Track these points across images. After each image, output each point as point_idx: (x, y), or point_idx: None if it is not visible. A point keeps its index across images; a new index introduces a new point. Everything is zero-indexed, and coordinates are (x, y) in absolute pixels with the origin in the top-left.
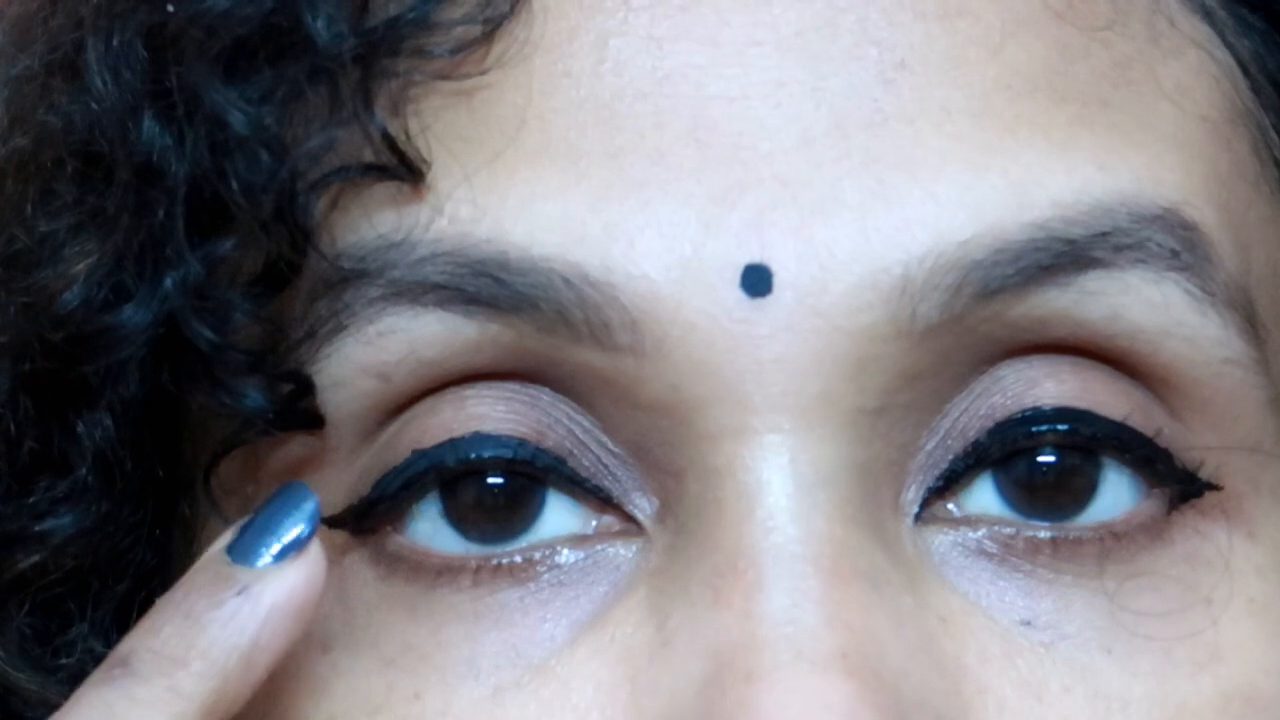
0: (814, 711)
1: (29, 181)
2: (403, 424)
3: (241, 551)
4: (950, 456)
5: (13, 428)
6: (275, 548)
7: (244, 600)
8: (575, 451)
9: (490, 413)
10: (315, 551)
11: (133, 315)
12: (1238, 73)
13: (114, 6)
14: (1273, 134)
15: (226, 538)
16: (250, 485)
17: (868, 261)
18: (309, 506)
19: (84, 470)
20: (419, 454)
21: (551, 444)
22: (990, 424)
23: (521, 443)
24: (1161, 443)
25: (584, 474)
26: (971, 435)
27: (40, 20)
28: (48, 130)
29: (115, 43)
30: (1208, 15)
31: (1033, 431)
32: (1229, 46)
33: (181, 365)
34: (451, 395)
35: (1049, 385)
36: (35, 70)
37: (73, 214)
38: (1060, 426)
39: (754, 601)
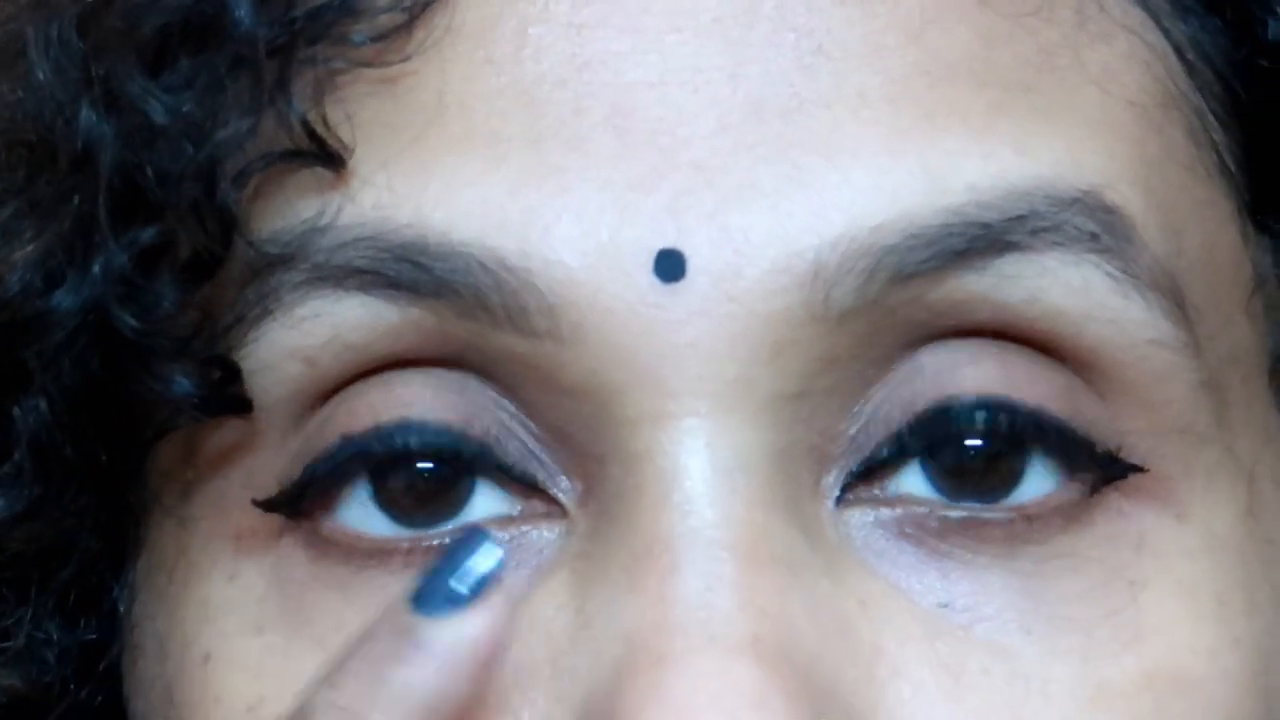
0: (723, 696)
1: None
2: (332, 408)
3: (425, 602)
4: (872, 444)
5: None
6: (456, 590)
7: (424, 654)
8: (501, 438)
9: (417, 398)
10: (499, 598)
11: (62, 300)
12: (1173, 57)
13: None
14: (1211, 118)
15: (412, 584)
16: (189, 471)
17: (781, 246)
18: (492, 549)
19: (18, 455)
20: (347, 440)
21: (478, 431)
22: (911, 414)
23: (448, 429)
24: (1080, 429)
25: (510, 460)
26: (894, 425)
27: None
28: None
29: (54, 33)
30: (1142, 0)
31: (951, 421)
32: (1164, 31)
33: (112, 352)
34: (378, 381)
35: (969, 371)
36: None
37: (15, 202)
38: (980, 414)
39: (668, 585)
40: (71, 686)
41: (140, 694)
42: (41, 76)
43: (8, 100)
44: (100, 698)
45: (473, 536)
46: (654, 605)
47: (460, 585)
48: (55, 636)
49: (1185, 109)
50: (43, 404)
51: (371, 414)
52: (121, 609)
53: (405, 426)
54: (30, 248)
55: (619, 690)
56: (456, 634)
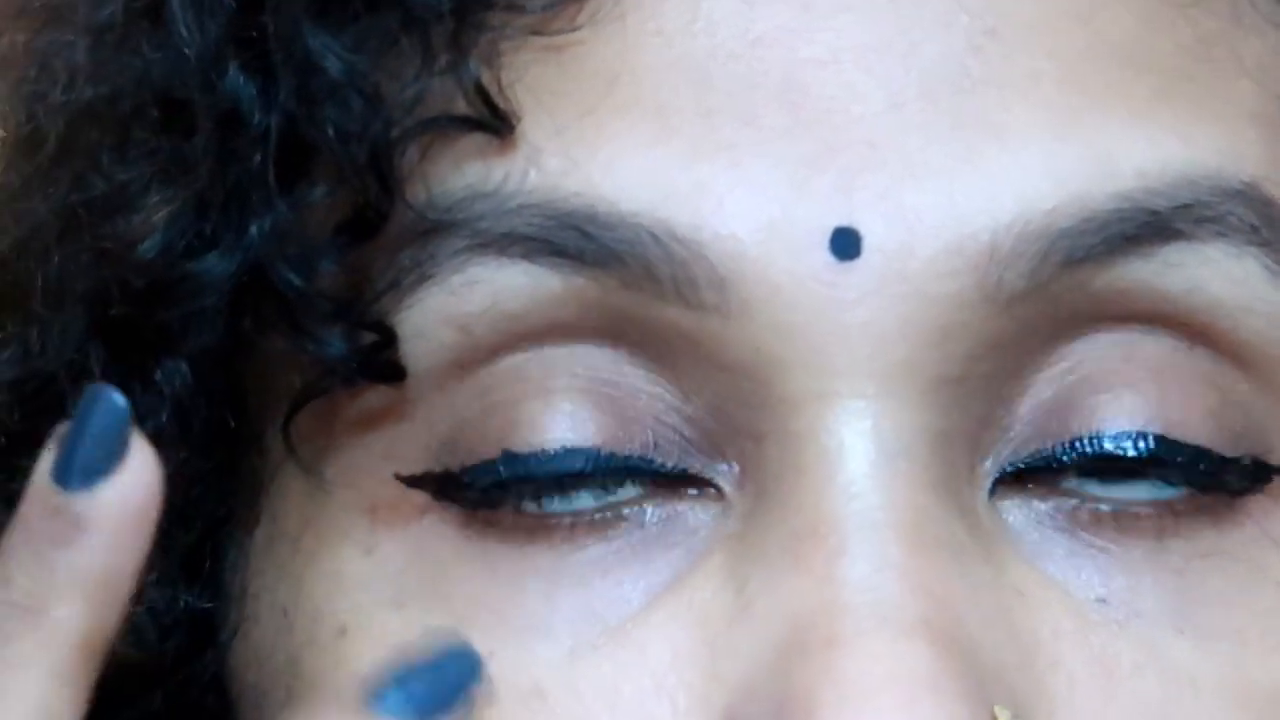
0: (898, 678)
1: (108, 129)
2: (487, 402)
3: (67, 473)
4: (1026, 453)
5: (87, 376)
6: (102, 460)
7: (86, 531)
8: (659, 442)
9: (578, 411)
10: (141, 453)
11: (216, 264)
12: None
13: None
14: None
15: (47, 462)
16: (323, 438)
17: (955, 227)
18: (115, 401)
19: (163, 418)
20: (509, 457)
21: (639, 442)
22: (1067, 434)
23: (610, 454)
24: (1229, 451)
25: (670, 465)
26: (1048, 443)
27: None
28: (129, 78)
29: None
30: None
31: (1105, 450)
32: None
33: (263, 312)
34: (536, 387)
35: (1126, 396)
36: (117, 18)
37: (152, 162)
38: (1134, 454)
39: (835, 567)
40: (182, 656)
41: (256, 665)
42: (185, 33)
43: (143, 59)
44: (209, 670)
45: (95, 398)
46: (821, 586)
47: (96, 451)
48: (170, 605)
49: None
50: (184, 367)
51: (532, 429)
52: (234, 579)
53: (566, 455)
54: (172, 209)
55: (786, 671)
56: (110, 501)
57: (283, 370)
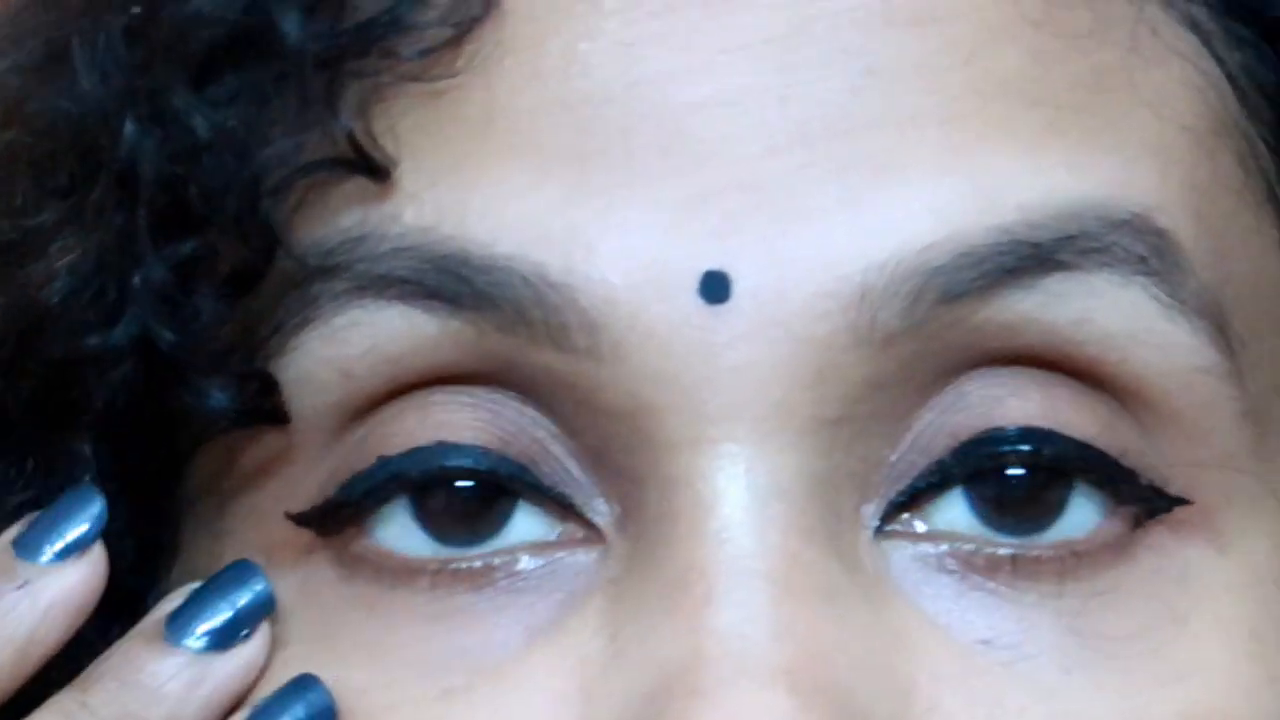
0: None
1: (19, 176)
2: (370, 428)
3: (26, 547)
4: (914, 472)
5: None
6: (59, 545)
7: (24, 595)
8: (538, 459)
9: (454, 419)
10: (97, 554)
11: (122, 335)
12: (1225, 84)
13: (98, 5)
14: (1261, 146)
15: (13, 531)
16: (225, 481)
17: (828, 269)
18: (95, 509)
19: (67, 476)
20: (383, 461)
21: (515, 452)
22: (954, 443)
23: (485, 451)
24: (1127, 463)
25: (547, 482)
26: (936, 453)
27: (31, 15)
28: (38, 126)
29: (101, 42)
30: (1194, 26)
31: (997, 452)
32: (1217, 58)
33: (154, 366)
34: (418, 400)
35: (1013, 403)
36: (26, 66)
37: (58, 211)
38: (1023, 447)
39: (703, 616)
40: None
41: None
42: (87, 86)
43: (52, 106)
44: None
45: (81, 497)
46: (688, 635)
47: (57, 541)
48: (92, 647)
49: (1236, 136)
50: (88, 418)
51: (409, 435)
52: None
53: (442, 449)
54: (73, 256)
55: None
56: (57, 582)
57: (186, 416)
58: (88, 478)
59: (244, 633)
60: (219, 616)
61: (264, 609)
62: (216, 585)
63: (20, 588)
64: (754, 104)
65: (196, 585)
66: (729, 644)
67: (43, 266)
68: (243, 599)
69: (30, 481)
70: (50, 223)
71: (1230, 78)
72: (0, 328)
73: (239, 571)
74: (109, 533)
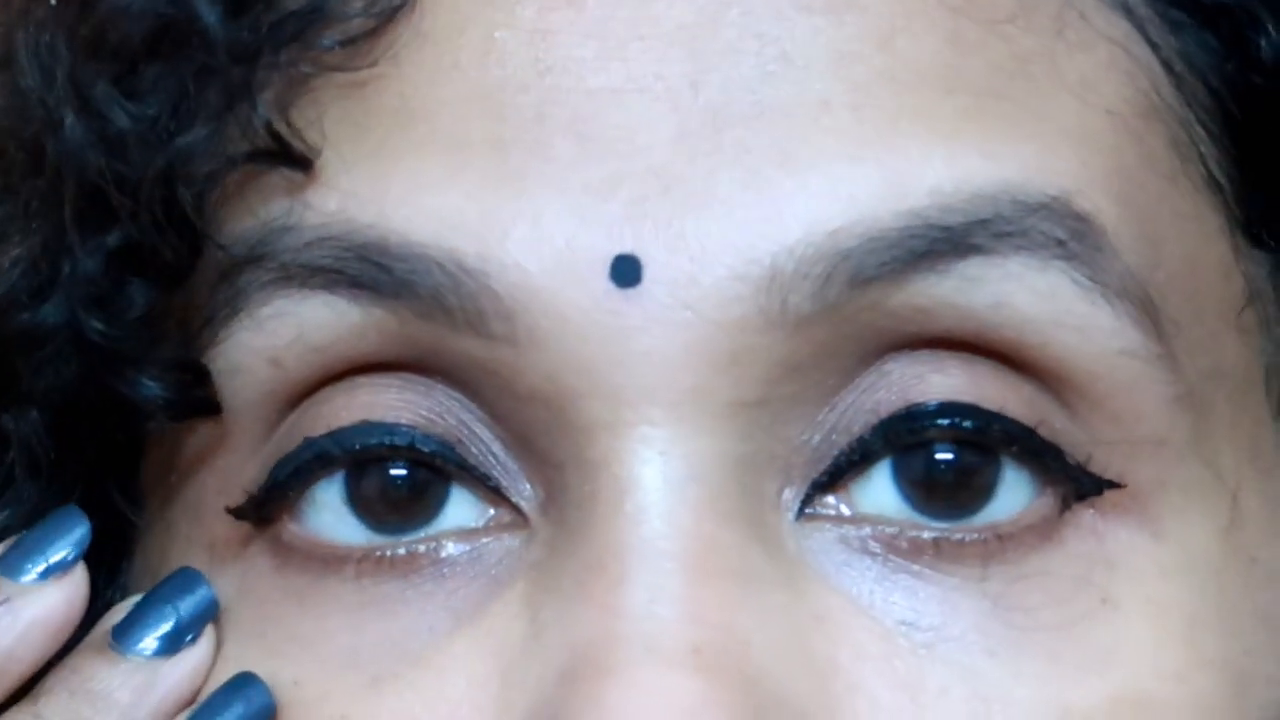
0: (658, 709)
1: None
2: (299, 414)
3: (9, 566)
4: (835, 452)
5: None
6: (41, 566)
7: (4, 612)
8: (464, 439)
9: (380, 401)
10: (79, 575)
11: (50, 313)
12: (1159, 69)
13: (43, 3)
14: (1200, 130)
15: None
16: (172, 475)
17: (737, 253)
18: (79, 532)
19: (10, 461)
20: (309, 441)
21: (441, 431)
22: (875, 419)
23: (410, 428)
24: (1047, 435)
25: (473, 461)
26: (856, 431)
27: None
28: None
29: (43, 40)
30: (1127, 12)
31: (917, 426)
32: (1151, 43)
33: (87, 358)
34: (345, 385)
35: (935, 379)
36: None
37: (12, 205)
38: (943, 421)
39: (615, 596)
40: None
41: None
42: (30, 83)
43: (3, 104)
44: None
45: (65, 519)
46: (600, 617)
47: (40, 562)
48: None
49: (1170, 121)
50: (32, 411)
51: (334, 416)
52: None
53: (365, 428)
54: (17, 250)
55: (563, 701)
56: (38, 601)
57: (126, 410)
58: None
59: (189, 637)
60: (164, 624)
61: (208, 614)
62: (161, 593)
63: (1, 605)
64: (665, 90)
65: (139, 597)
66: (639, 624)
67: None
68: (187, 606)
69: None
70: (2, 217)
71: (1165, 63)
72: None
73: (183, 579)
74: None
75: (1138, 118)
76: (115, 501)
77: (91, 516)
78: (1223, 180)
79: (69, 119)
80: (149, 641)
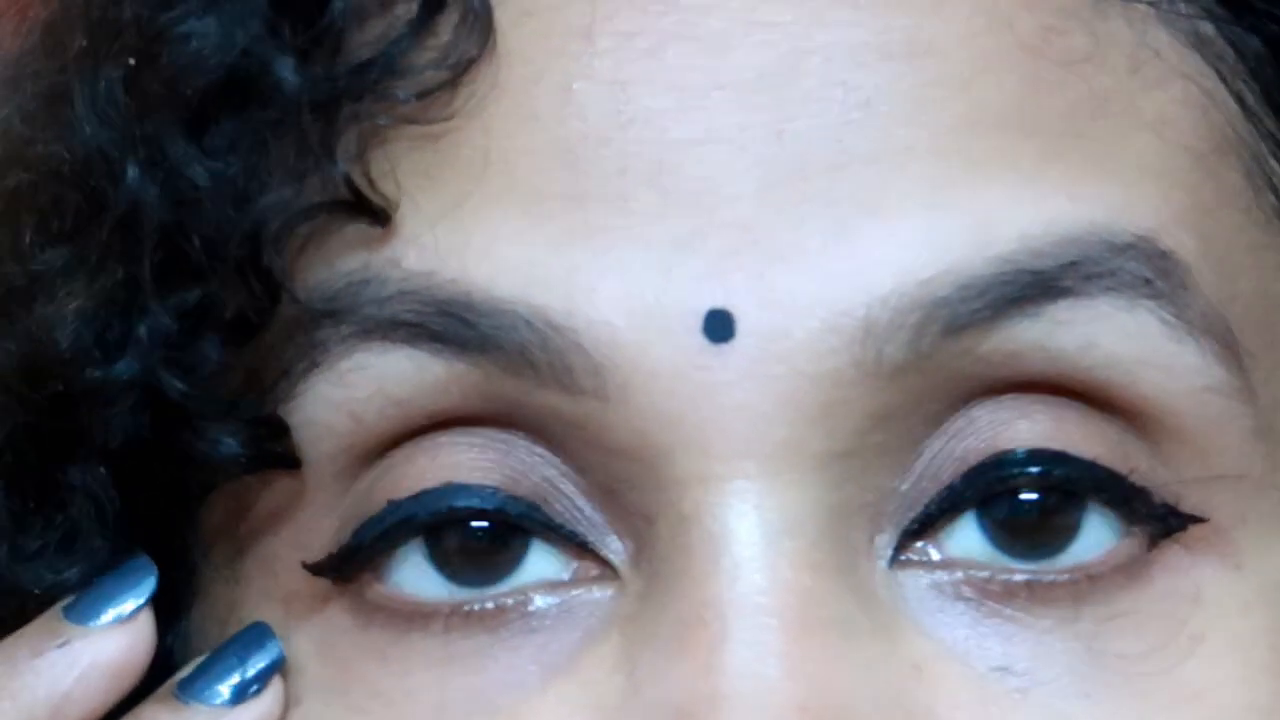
0: None
1: (23, 221)
2: (380, 472)
3: (78, 614)
4: (925, 500)
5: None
6: (109, 615)
7: (63, 654)
8: (549, 498)
9: (463, 461)
10: (144, 623)
11: (124, 370)
12: (1231, 103)
13: (99, 51)
14: (1272, 163)
15: (68, 599)
16: (241, 526)
17: (829, 305)
18: (147, 582)
19: (74, 514)
20: (394, 505)
21: (525, 490)
22: (964, 468)
23: (494, 491)
24: (1137, 481)
25: (559, 520)
26: (945, 479)
27: (31, 60)
28: (40, 171)
29: (101, 88)
30: (1201, 46)
31: (1006, 474)
32: (1221, 76)
33: (160, 413)
34: (427, 444)
35: (1022, 425)
36: (28, 110)
37: (63, 255)
38: (1033, 469)
39: (716, 654)
40: None
41: None
42: (88, 129)
43: (54, 150)
44: None
45: (135, 570)
46: (702, 675)
47: (102, 616)
48: None
49: (1243, 153)
50: (97, 464)
51: (419, 478)
52: (175, 658)
53: (450, 490)
54: (80, 301)
55: None
56: (99, 644)
57: (195, 461)
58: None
59: (255, 689)
60: (232, 677)
61: (275, 669)
62: (230, 647)
63: (60, 646)
64: (748, 140)
65: (205, 655)
66: (743, 683)
67: (51, 310)
68: (255, 660)
69: (47, 524)
70: (57, 267)
71: (1236, 95)
72: (9, 372)
73: (252, 634)
74: None
75: (1214, 153)
76: (176, 552)
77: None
78: None
79: (133, 172)
80: (216, 691)
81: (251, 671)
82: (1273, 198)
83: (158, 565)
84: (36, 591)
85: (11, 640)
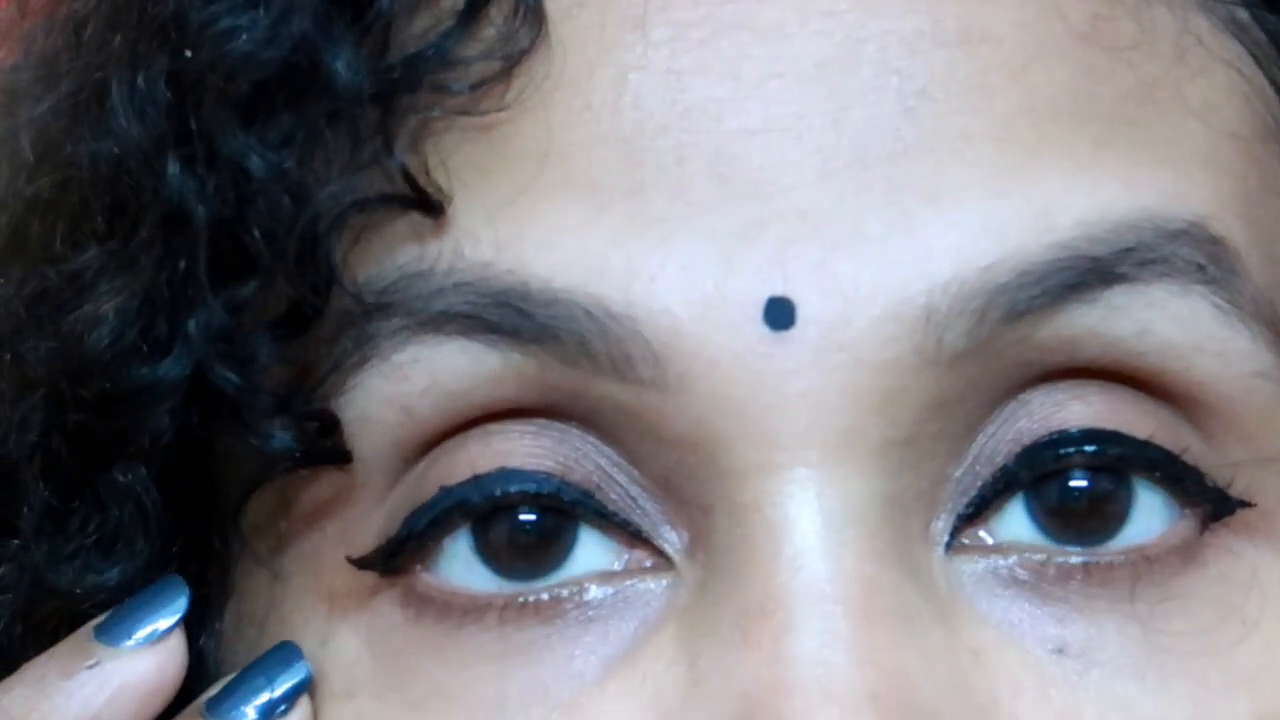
0: None
1: (57, 220)
2: (430, 462)
3: (108, 634)
4: (979, 483)
5: (45, 474)
6: (140, 634)
7: (94, 675)
8: (603, 485)
9: (517, 448)
10: (175, 644)
11: (171, 368)
12: (1270, 90)
13: (138, 47)
14: None
15: (99, 619)
16: (283, 522)
17: (890, 293)
18: (179, 602)
19: (123, 511)
20: (445, 491)
21: (579, 478)
22: (1018, 448)
23: (548, 477)
24: (1190, 460)
25: (612, 508)
26: (999, 461)
27: (65, 58)
28: (74, 170)
29: (140, 84)
30: (1240, 33)
31: (1060, 454)
32: (1260, 64)
33: (210, 408)
34: (478, 432)
35: (1075, 407)
36: (61, 109)
37: (100, 254)
38: (1088, 448)
39: (783, 643)
40: None
41: None
42: (126, 125)
43: (90, 148)
44: None
45: (167, 590)
46: (770, 664)
47: (137, 630)
48: None
49: None
50: (140, 466)
51: (469, 465)
52: (208, 659)
53: (504, 475)
54: (119, 300)
55: None
56: (130, 665)
57: (240, 457)
58: (174, 569)
59: (283, 709)
60: (259, 696)
61: (302, 688)
62: (257, 667)
63: (91, 667)
64: (806, 129)
65: (233, 674)
66: (811, 671)
67: (88, 310)
68: (282, 680)
69: (85, 523)
70: (92, 267)
71: (1274, 82)
72: (46, 372)
73: (280, 654)
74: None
75: (1258, 140)
76: (213, 552)
77: (189, 564)
78: None
79: (174, 167)
80: (243, 712)
81: (279, 691)
82: None
83: (194, 566)
84: (77, 592)
85: (42, 660)
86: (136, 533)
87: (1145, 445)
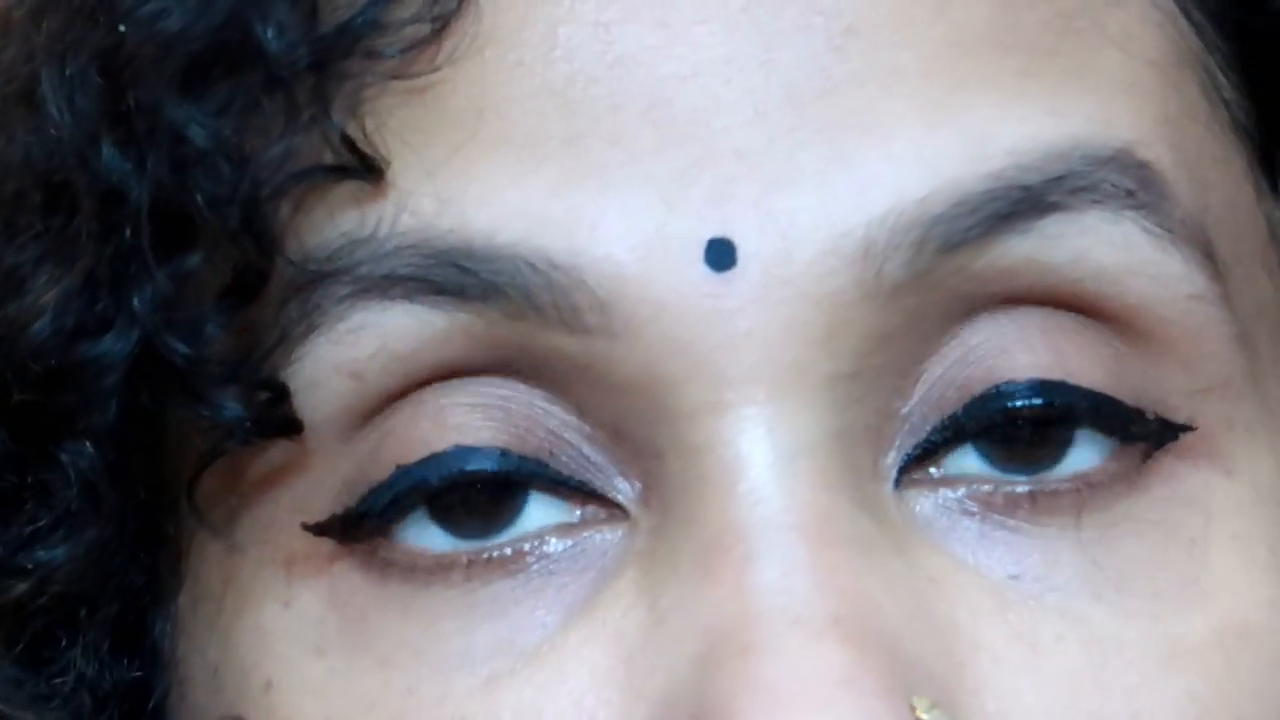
0: (812, 679)
1: None
2: (383, 435)
3: None
4: (928, 428)
5: None
6: None
7: None
8: (555, 450)
9: (468, 422)
10: None
11: (113, 344)
12: (1181, 18)
13: (65, 34)
14: (1221, 76)
15: None
16: (233, 497)
17: (829, 227)
18: None
19: (70, 498)
20: (403, 470)
21: (531, 448)
22: (966, 397)
23: (504, 452)
24: (1131, 401)
25: (566, 473)
26: (948, 409)
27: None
28: (7, 162)
29: (69, 71)
30: None
31: (1009, 406)
32: None
33: (159, 382)
34: (429, 406)
35: (1021, 354)
36: None
37: (39, 244)
38: (1035, 401)
39: (745, 575)
40: None
41: None
42: (57, 115)
43: (22, 141)
44: None
45: None
46: (732, 596)
47: None
48: (102, 676)
49: (1197, 68)
50: (88, 445)
51: (425, 443)
52: (164, 644)
53: (459, 452)
54: (57, 290)
55: (705, 682)
56: None
57: (187, 435)
58: None
59: None
60: None
61: None
62: None
63: None
64: (736, 72)
65: None
66: (775, 599)
67: (29, 302)
68: None
69: (39, 505)
70: (30, 259)
71: (1184, 12)
72: None
73: None
74: (119, 563)
75: (1173, 66)
76: (164, 535)
77: (137, 549)
78: (1244, 122)
79: (109, 150)
80: None
81: None
82: (1225, 111)
83: (146, 549)
84: (29, 567)
85: None
86: (86, 514)
87: (1090, 394)
